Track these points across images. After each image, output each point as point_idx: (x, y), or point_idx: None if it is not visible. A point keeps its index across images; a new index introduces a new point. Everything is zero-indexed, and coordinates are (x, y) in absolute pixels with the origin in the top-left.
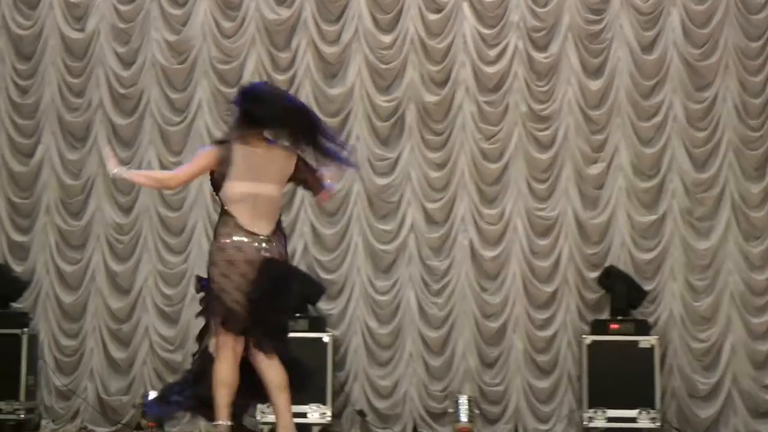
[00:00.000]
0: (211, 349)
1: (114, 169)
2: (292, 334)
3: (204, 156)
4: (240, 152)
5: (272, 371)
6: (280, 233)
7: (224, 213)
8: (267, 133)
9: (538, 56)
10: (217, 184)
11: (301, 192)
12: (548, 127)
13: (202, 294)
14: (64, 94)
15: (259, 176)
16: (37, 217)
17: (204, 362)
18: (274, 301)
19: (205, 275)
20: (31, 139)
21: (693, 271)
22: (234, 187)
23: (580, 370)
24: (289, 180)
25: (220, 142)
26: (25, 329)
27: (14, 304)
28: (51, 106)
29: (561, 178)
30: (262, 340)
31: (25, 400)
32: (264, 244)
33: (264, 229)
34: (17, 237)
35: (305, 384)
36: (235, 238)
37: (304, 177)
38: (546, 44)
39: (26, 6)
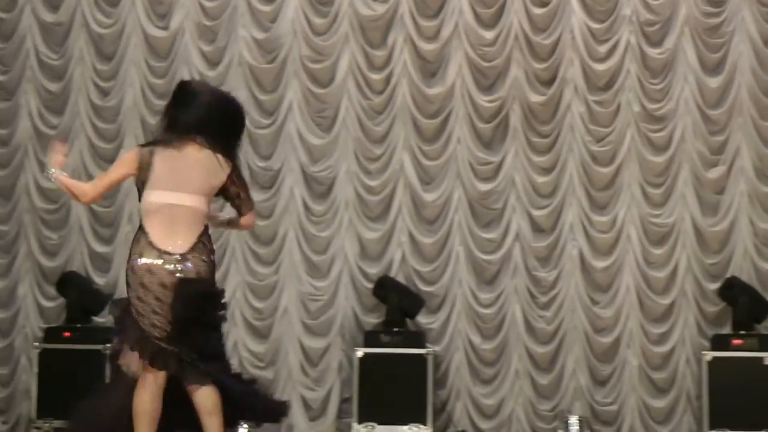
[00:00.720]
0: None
1: (53, 168)
2: (391, 350)
3: (122, 162)
4: (161, 156)
5: (199, 394)
6: (201, 248)
7: (139, 228)
8: (199, 139)
9: (652, 52)
10: (139, 193)
11: (398, 200)
12: (663, 128)
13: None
14: (147, 95)
15: (180, 185)
16: (119, 227)
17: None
18: (196, 324)
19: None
20: (112, 143)
21: None
22: (150, 197)
23: (700, 389)
24: (219, 193)
25: (146, 144)
26: (108, 345)
27: (96, 319)
28: (133, 109)
29: (678, 183)
30: (187, 369)
31: None
32: (178, 265)
33: (179, 246)
34: (99, 248)
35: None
36: (145, 260)
37: (236, 192)
38: (661, 39)
39: (107, 3)
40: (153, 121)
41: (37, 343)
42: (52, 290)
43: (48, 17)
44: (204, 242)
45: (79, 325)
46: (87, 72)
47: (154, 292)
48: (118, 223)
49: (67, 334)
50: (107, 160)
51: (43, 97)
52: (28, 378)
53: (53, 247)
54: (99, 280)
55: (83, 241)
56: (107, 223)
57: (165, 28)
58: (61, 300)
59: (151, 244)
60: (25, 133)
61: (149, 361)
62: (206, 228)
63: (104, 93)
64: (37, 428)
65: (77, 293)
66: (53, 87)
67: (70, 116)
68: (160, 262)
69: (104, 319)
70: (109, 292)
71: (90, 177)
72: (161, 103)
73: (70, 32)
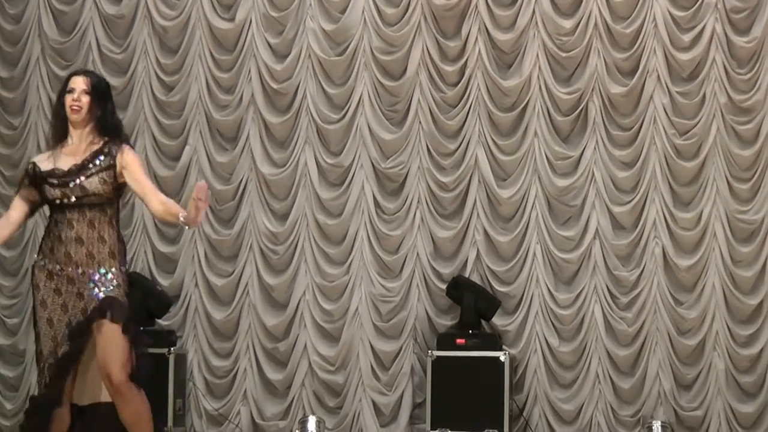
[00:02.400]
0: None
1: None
2: (465, 353)
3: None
4: None
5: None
6: None
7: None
8: None
9: (739, 40)
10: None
11: (473, 197)
12: (751, 120)
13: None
14: (212, 90)
15: None
16: (184, 227)
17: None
18: None
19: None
20: (176, 140)
21: None
22: None
23: None
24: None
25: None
26: (173, 348)
27: (160, 321)
28: (198, 104)
29: (766, 177)
30: None
31: (173, 426)
32: None
33: None
34: (163, 248)
35: None
36: None
37: None
38: (748, 27)
39: None
40: (219, 116)
41: None
42: None
43: (110, 9)
44: None
45: (142, 328)
46: (150, 66)
47: None
48: None
49: None
50: (171, 157)
51: None
52: None
53: None
54: (163, 281)
55: (147, 241)
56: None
57: (231, 20)
58: None
59: None
60: None
61: None
62: None
63: (168, 87)
64: None
65: (141, 295)
66: (116, 82)
67: (134, 112)
68: None
69: (169, 321)
70: (174, 294)
71: (153, 175)
72: (228, 98)
73: (133, 25)
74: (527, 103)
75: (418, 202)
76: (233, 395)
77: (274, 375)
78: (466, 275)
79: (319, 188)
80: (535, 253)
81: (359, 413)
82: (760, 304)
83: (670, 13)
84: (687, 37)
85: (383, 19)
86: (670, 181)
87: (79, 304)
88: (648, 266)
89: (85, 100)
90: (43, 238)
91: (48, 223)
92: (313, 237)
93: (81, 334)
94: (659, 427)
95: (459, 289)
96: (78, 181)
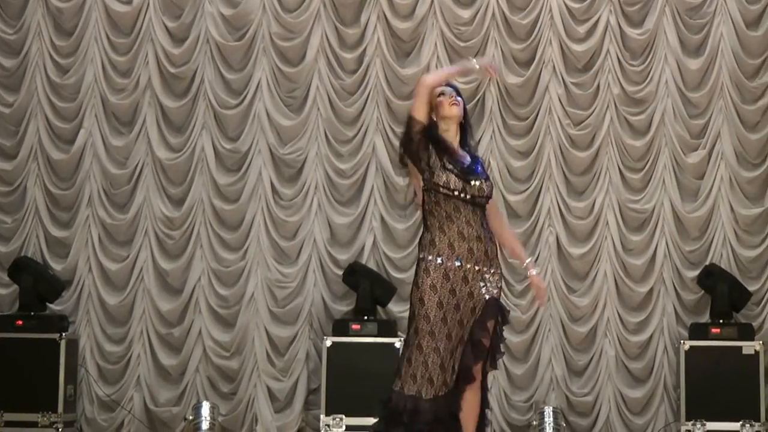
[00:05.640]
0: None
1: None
2: (361, 339)
3: None
4: None
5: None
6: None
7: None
8: None
9: (632, 33)
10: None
11: (370, 184)
12: (643, 111)
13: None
14: (108, 73)
15: None
16: (78, 210)
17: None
18: None
19: None
20: (71, 123)
21: None
22: None
23: (678, 379)
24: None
25: None
26: (64, 333)
27: (52, 306)
28: (94, 87)
29: (657, 167)
30: None
31: (63, 412)
32: None
33: None
34: (56, 232)
35: None
36: None
37: None
38: (641, 19)
39: None
40: (114, 100)
41: None
42: (4, 276)
43: None
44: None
45: (33, 313)
46: (45, 48)
47: None
48: (77, 207)
49: (19, 322)
50: (65, 140)
51: None
52: None
53: (7, 231)
54: (56, 266)
55: (39, 224)
56: (65, 206)
57: (128, 3)
58: (15, 287)
59: None
60: None
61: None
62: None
63: (63, 70)
64: None
65: (31, 279)
66: (8, 63)
67: (27, 94)
68: None
69: (60, 306)
70: (67, 279)
71: (47, 158)
72: (123, 82)
73: (27, 5)
74: None
75: (316, 188)
76: (126, 381)
77: (167, 360)
78: (363, 262)
79: (216, 173)
80: None
81: (254, 399)
82: (650, 291)
83: (565, 5)
84: (582, 29)
85: (282, 5)
86: (564, 171)
87: (469, 303)
88: (542, 254)
89: (459, 99)
90: (431, 232)
91: (433, 216)
92: (210, 222)
93: (482, 339)
94: (551, 413)
95: (355, 275)
96: (478, 182)
